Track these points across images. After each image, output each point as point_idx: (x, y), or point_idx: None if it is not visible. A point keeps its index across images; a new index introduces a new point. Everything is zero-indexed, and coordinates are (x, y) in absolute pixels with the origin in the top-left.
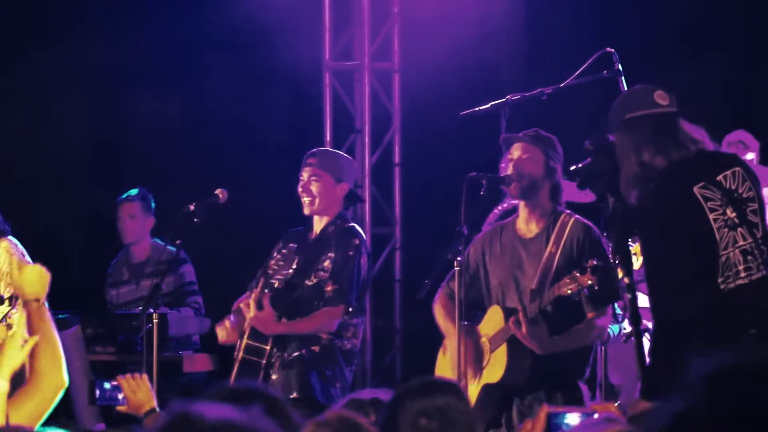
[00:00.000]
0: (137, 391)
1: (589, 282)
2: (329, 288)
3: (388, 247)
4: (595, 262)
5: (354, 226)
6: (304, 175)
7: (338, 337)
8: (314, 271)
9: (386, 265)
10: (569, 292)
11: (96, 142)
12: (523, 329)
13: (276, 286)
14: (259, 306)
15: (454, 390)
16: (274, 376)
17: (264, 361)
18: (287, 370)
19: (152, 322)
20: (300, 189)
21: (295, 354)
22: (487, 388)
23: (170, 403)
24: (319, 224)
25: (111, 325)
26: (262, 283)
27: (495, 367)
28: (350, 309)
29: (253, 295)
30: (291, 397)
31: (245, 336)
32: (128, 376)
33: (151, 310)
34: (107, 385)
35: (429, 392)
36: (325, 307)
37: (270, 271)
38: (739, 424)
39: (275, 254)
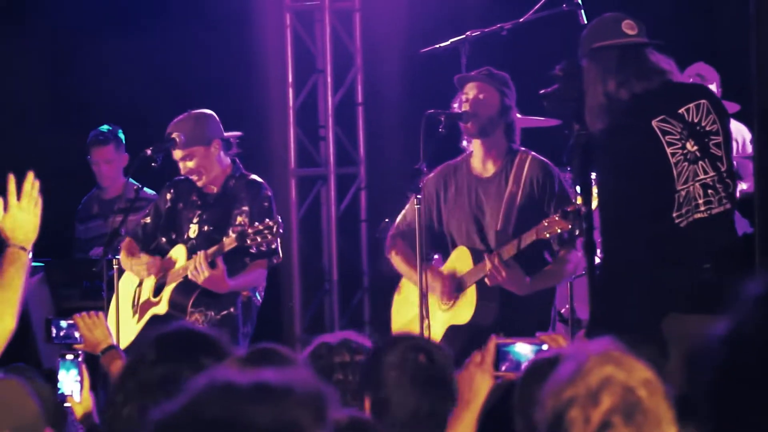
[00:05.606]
0: (94, 329)
1: (570, 226)
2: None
3: (353, 188)
4: (576, 206)
5: (257, 178)
6: (177, 155)
7: (254, 292)
8: (231, 227)
9: (352, 205)
10: (548, 235)
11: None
12: (503, 273)
13: (193, 241)
14: (212, 264)
15: None
16: None
17: (189, 319)
18: (219, 329)
19: (113, 269)
20: (183, 172)
21: (224, 312)
22: (453, 329)
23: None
24: (213, 182)
25: (75, 272)
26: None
27: (463, 309)
28: (276, 261)
29: (202, 255)
30: None
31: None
32: (84, 314)
33: (111, 256)
34: (64, 324)
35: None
36: (254, 260)
37: (180, 225)
38: None
39: (167, 204)
